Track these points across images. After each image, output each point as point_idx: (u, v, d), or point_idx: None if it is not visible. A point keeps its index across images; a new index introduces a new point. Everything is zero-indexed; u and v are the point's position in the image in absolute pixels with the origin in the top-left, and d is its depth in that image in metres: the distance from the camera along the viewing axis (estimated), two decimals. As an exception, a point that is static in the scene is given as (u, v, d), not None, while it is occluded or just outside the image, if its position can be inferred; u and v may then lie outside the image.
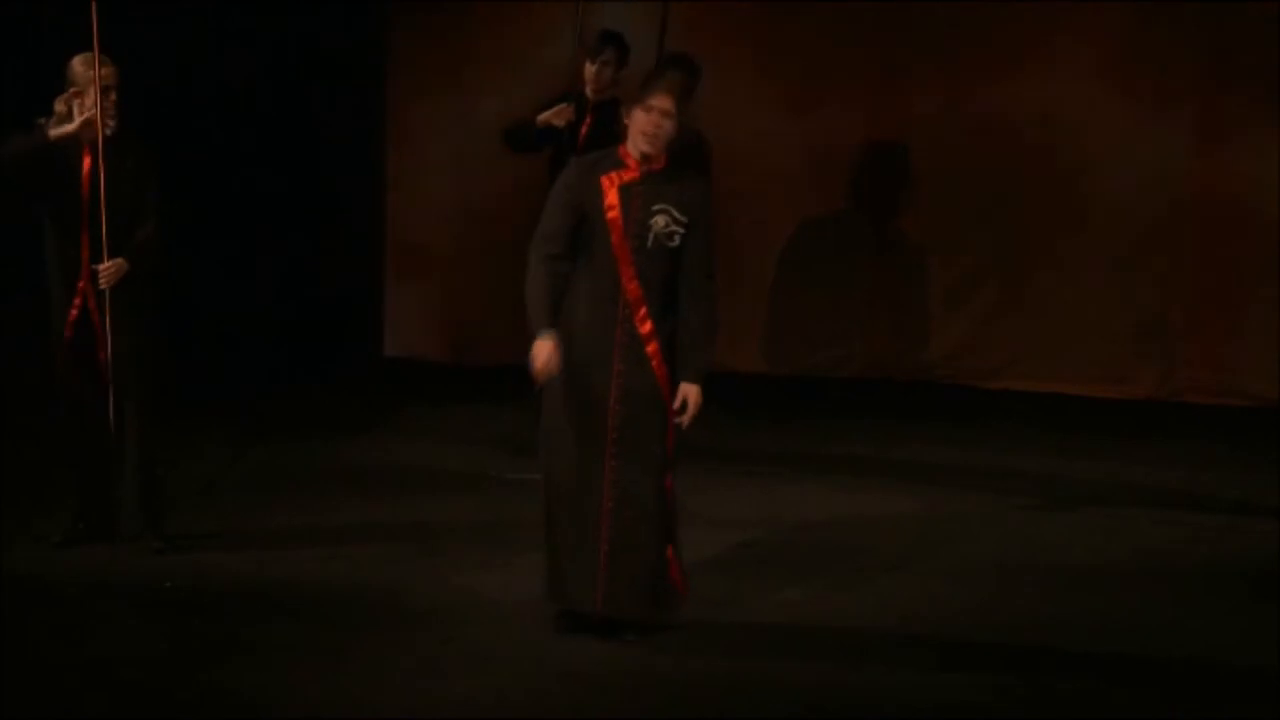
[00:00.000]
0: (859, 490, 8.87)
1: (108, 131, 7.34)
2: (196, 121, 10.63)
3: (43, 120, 7.42)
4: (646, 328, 6.40)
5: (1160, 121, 10.67)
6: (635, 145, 6.41)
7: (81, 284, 7.48)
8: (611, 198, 6.37)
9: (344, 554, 7.69)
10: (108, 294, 7.40)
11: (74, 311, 7.50)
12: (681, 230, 6.39)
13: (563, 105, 8.93)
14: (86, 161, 7.42)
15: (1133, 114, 10.70)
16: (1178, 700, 6.17)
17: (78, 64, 7.37)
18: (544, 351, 6.29)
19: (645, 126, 6.37)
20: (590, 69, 9.10)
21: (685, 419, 6.41)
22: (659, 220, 6.38)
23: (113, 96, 7.39)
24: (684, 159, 6.64)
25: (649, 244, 6.38)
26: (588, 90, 9.10)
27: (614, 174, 6.41)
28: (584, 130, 9.02)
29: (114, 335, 7.44)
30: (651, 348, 6.41)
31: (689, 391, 6.40)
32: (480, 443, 9.62)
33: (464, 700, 6.06)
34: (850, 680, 6.29)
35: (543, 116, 8.92)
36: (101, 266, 7.38)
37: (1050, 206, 10.85)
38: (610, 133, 8.75)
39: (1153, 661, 6.52)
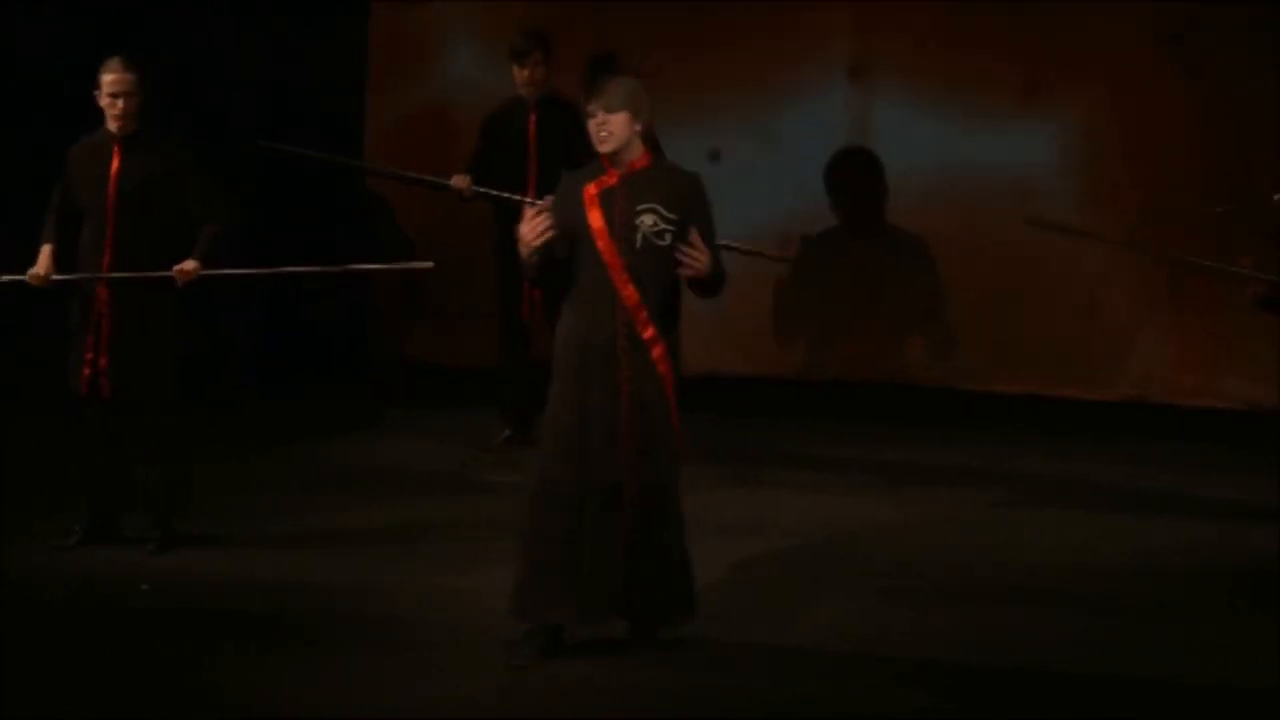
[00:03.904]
0: (845, 494, 8.88)
1: (120, 134, 7.53)
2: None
3: None
4: (649, 332, 6.33)
5: (1146, 119, 10.69)
6: (599, 150, 6.39)
7: (100, 289, 7.56)
8: (594, 206, 6.33)
9: (338, 555, 7.68)
10: (120, 297, 7.52)
11: (94, 318, 7.56)
12: (672, 228, 6.33)
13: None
14: (115, 163, 7.56)
15: (1118, 111, 10.72)
16: (1167, 709, 6.18)
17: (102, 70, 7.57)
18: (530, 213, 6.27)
19: (593, 131, 6.36)
20: (522, 73, 9.26)
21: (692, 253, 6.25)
22: (646, 219, 6.32)
23: (121, 104, 7.52)
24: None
25: (638, 245, 6.31)
26: (523, 92, 9.32)
27: (594, 183, 6.38)
28: (532, 129, 9.27)
29: (134, 336, 7.54)
30: (657, 352, 6.34)
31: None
32: (472, 444, 9.59)
33: (464, 700, 6.04)
34: (840, 684, 6.28)
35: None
36: (178, 269, 7.49)
37: (1030, 206, 10.83)
38: (558, 126, 8.89)
39: (1141, 669, 6.49)
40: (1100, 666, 6.47)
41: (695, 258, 6.27)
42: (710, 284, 6.43)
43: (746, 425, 10.32)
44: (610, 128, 6.32)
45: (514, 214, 7.57)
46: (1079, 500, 8.78)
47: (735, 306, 10.98)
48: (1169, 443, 9.95)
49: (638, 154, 6.39)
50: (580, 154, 6.67)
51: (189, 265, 7.52)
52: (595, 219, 6.32)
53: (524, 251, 6.25)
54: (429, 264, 8.18)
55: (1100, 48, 10.70)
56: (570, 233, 6.32)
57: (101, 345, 7.54)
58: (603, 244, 6.31)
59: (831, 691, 6.22)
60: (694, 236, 6.28)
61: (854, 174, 11.12)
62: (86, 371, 7.55)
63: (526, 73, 9.29)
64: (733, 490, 8.87)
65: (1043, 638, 6.79)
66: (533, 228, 6.21)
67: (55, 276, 7.58)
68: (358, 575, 7.38)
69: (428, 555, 7.67)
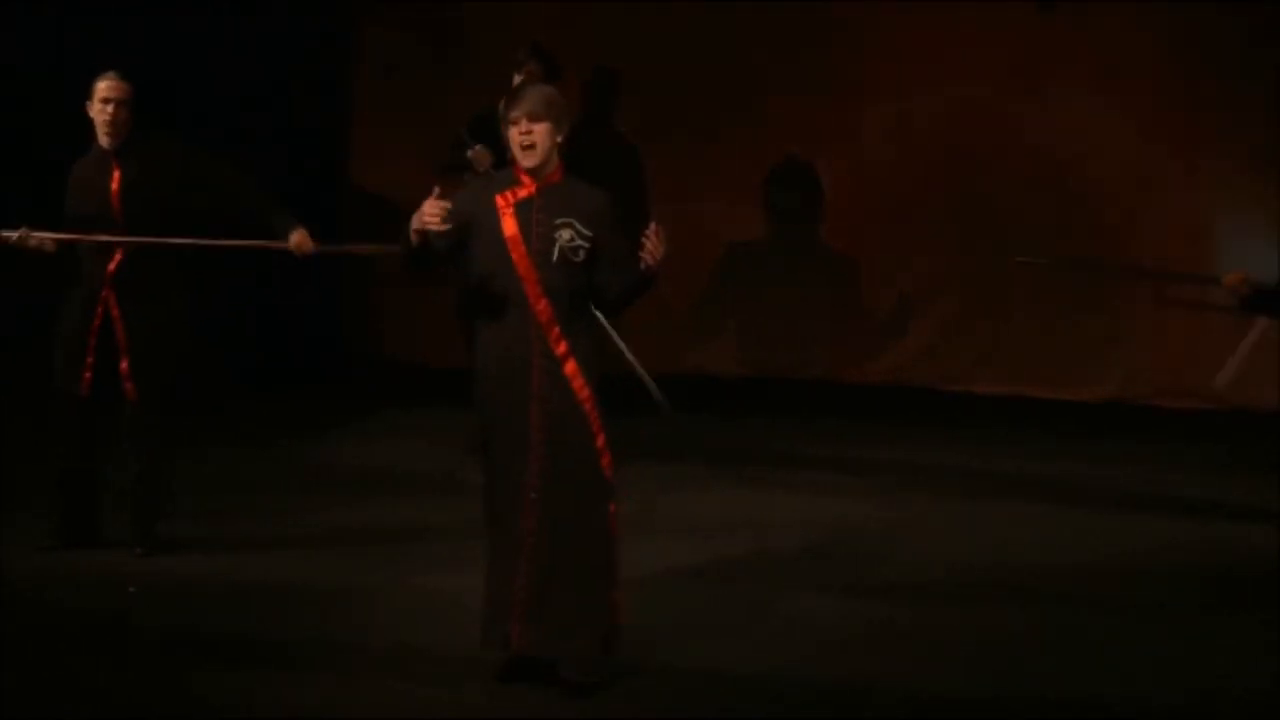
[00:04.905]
0: (842, 493, 8.88)
1: (112, 148, 7.56)
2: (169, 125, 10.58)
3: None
4: (562, 347, 6.12)
5: (1128, 128, 10.72)
6: (521, 162, 6.20)
7: (105, 292, 7.56)
8: (508, 216, 6.14)
9: (330, 556, 7.67)
10: (130, 300, 7.54)
11: (96, 321, 7.56)
12: (586, 245, 6.16)
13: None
14: (115, 175, 7.57)
15: (1098, 118, 10.75)
16: (1166, 709, 6.18)
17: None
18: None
19: (515, 140, 6.16)
20: (518, 81, 9.22)
21: (652, 246, 6.07)
22: (564, 234, 6.13)
23: (112, 109, 7.54)
24: (605, 168, 6.54)
25: (554, 259, 6.12)
26: None
27: (509, 192, 6.19)
28: None
29: (136, 341, 7.55)
30: (570, 367, 6.14)
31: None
32: (457, 445, 9.58)
33: (458, 702, 6.04)
34: (839, 685, 6.28)
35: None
36: (296, 242, 7.65)
37: (1014, 210, 10.86)
38: None
39: (1141, 669, 6.51)
40: (1100, 666, 6.48)
41: (658, 245, 6.07)
42: (636, 294, 6.27)
43: (741, 425, 10.33)
44: (535, 138, 6.13)
45: None
46: (1077, 500, 8.78)
47: (713, 306, 11.11)
48: (1164, 443, 9.98)
49: (554, 167, 6.22)
50: (570, 164, 6.59)
51: (298, 236, 7.66)
52: (510, 228, 6.12)
53: (417, 222, 5.98)
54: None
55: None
56: (470, 231, 6.13)
57: (121, 348, 7.55)
58: (517, 255, 6.11)
59: (830, 693, 6.21)
60: (652, 230, 6.06)
61: (841, 171, 11.18)
62: (88, 375, 7.55)
63: (521, 82, 9.28)
64: (727, 490, 8.88)
65: (1043, 638, 6.80)
66: (438, 208, 5.96)
67: (43, 235, 7.52)
68: (349, 576, 7.37)
69: (419, 556, 7.67)
